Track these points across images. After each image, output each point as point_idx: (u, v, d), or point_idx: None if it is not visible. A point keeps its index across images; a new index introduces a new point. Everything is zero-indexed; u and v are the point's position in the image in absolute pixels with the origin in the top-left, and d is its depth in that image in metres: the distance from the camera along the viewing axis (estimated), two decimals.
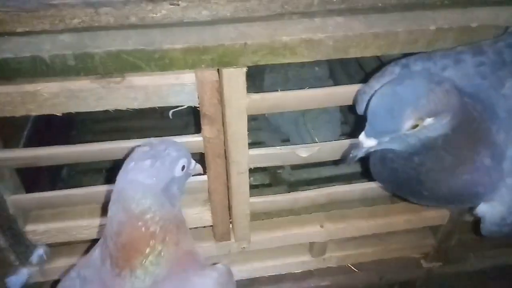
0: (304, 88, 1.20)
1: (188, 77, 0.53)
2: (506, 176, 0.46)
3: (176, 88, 0.53)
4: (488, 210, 0.49)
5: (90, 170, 1.13)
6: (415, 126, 0.42)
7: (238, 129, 0.58)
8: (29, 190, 0.66)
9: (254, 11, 0.53)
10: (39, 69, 0.48)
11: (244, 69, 0.53)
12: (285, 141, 1.23)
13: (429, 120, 0.42)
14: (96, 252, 0.48)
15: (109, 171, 1.13)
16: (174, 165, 0.46)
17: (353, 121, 1.22)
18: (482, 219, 0.51)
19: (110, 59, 0.48)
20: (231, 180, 0.64)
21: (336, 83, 1.27)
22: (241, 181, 0.65)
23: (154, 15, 0.51)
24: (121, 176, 0.45)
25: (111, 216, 0.45)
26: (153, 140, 0.47)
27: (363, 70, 1.11)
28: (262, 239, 0.76)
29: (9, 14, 0.48)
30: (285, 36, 0.51)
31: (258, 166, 0.65)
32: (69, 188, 1.04)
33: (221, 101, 0.55)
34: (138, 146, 0.46)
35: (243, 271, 0.80)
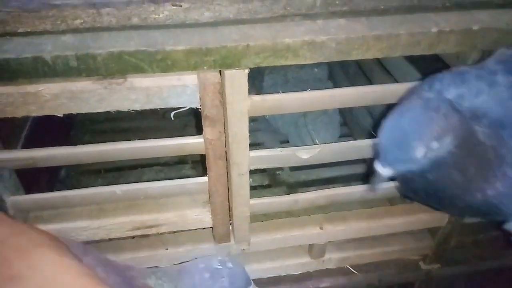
0: (304, 89, 1.21)
1: (190, 79, 0.53)
2: None
3: (177, 89, 0.52)
4: None
5: (88, 171, 1.13)
6: (424, 147, 0.44)
7: (240, 131, 0.58)
8: (27, 190, 0.66)
9: (257, 12, 0.53)
10: (41, 70, 0.47)
11: (246, 71, 0.53)
12: (284, 142, 1.23)
13: (434, 144, 0.44)
14: None
15: (108, 171, 1.13)
16: None
17: (352, 122, 1.22)
18: None
19: (112, 60, 0.48)
20: (232, 181, 0.64)
21: (335, 85, 1.27)
22: (241, 183, 0.65)
23: (156, 16, 0.51)
24: None
25: None
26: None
27: (362, 71, 1.11)
28: (262, 241, 0.75)
29: (11, 14, 0.48)
30: (288, 38, 0.51)
31: (259, 167, 0.65)
32: (68, 189, 1.04)
33: (223, 102, 0.55)
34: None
35: None
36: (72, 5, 0.49)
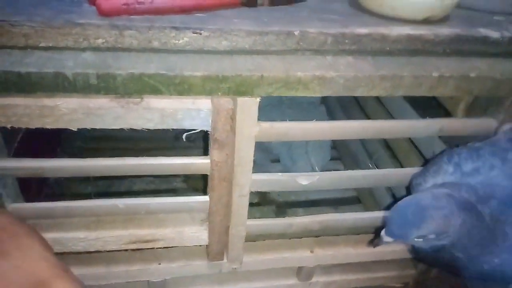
0: (298, 112, 1.24)
1: (204, 103, 0.55)
2: None
3: (192, 113, 0.54)
4: None
5: (78, 178, 1.12)
6: (420, 237, 0.52)
7: (246, 155, 0.60)
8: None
9: (271, 45, 0.56)
10: (61, 85, 0.48)
11: (258, 99, 0.56)
12: (275, 161, 1.26)
13: (432, 236, 0.52)
14: None
15: (97, 179, 1.13)
16: None
17: (340, 146, 1.26)
18: None
19: (132, 81, 0.50)
20: (232, 202, 0.66)
21: (328, 109, 1.31)
22: (241, 204, 0.66)
23: (177, 41, 0.53)
24: None
25: None
26: None
27: (355, 98, 1.15)
28: (254, 261, 0.77)
29: (35, 29, 0.49)
30: (300, 72, 0.54)
31: (259, 190, 0.67)
32: (56, 194, 1.03)
33: (233, 127, 0.57)
34: None
35: None
36: (96, 25, 0.50)
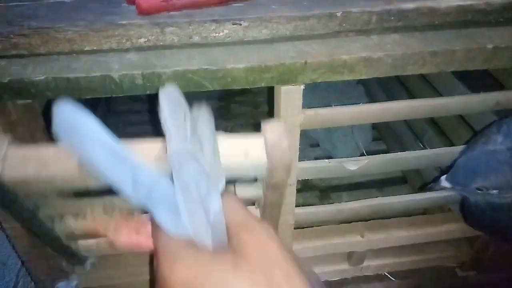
0: (335, 94, 1.21)
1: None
2: None
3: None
4: None
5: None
6: (482, 189, 0.52)
7: (291, 143, 0.59)
8: None
9: (313, 29, 0.54)
10: (108, 88, 0.49)
11: (302, 87, 0.54)
12: (314, 146, 1.24)
13: (494, 191, 0.52)
14: None
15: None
16: None
17: (382, 126, 1.22)
18: None
19: (176, 78, 0.50)
20: None
21: (366, 89, 1.28)
22: (289, 192, 0.66)
23: (217, 34, 0.52)
24: None
25: None
26: None
27: (399, 80, 1.11)
28: (304, 248, 0.77)
29: (78, 33, 0.50)
30: (345, 55, 0.52)
31: (306, 178, 0.66)
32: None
33: (277, 116, 0.56)
34: None
35: None
36: (137, 24, 0.50)
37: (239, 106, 1.42)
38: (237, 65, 0.50)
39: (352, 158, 0.65)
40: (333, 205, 0.71)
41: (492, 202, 0.52)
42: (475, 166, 0.53)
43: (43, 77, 0.48)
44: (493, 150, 0.54)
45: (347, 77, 0.54)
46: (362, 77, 0.54)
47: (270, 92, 0.58)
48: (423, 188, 0.64)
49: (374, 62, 0.53)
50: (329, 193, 1.12)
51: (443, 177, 0.55)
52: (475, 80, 0.78)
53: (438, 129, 0.94)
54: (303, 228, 0.79)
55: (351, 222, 0.80)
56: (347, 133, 1.14)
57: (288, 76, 0.52)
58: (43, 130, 0.64)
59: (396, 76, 1.12)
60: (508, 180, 0.50)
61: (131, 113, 1.33)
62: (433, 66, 0.54)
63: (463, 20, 0.56)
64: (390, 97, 1.14)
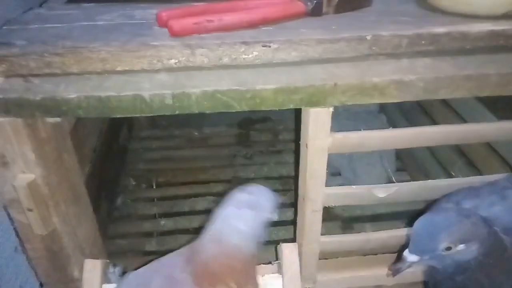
0: (355, 122, 1.20)
1: None
2: None
3: None
4: None
5: (142, 199, 1.14)
6: (449, 248, 0.50)
7: (318, 168, 0.58)
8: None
9: (343, 52, 0.54)
10: (139, 107, 0.49)
11: (331, 109, 0.54)
12: (335, 174, 1.22)
13: (461, 246, 0.50)
14: (172, 260, 0.56)
15: (161, 200, 1.15)
16: (267, 214, 0.55)
17: (406, 156, 1.20)
18: None
19: (205, 98, 0.50)
20: (305, 218, 0.63)
21: (388, 118, 1.26)
22: (314, 220, 0.64)
23: (246, 56, 0.52)
24: (221, 219, 0.55)
25: (204, 246, 0.54)
26: (249, 188, 0.57)
27: (418, 104, 1.10)
28: (329, 280, 0.73)
29: (111, 53, 0.50)
30: (375, 77, 0.51)
31: (333, 205, 0.64)
32: (123, 216, 1.05)
33: (304, 139, 0.55)
34: (236, 191, 0.55)
35: None
36: (169, 46, 0.51)
37: (259, 134, 1.41)
38: (266, 86, 0.50)
39: (381, 185, 0.63)
40: (360, 234, 0.69)
41: (459, 261, 0.51)
42: (436, 225, 0.51)
43: (75, 95, 0.48)
44: (448, 208, 0.55)
45: (377, 100, 0.53)
46: (393, 101, 0.53)
47: (297, 117, 0.58)
48: (389, 273, 0.60)
49: (405, 85, 0.52)
50: (352, 224, 1.09)
51: (405, 252, 0.52)
52: (502, 108, 0.76)
53: (466, 159, 0.91)
54: (327, 259, 0.76)
55: (377, 254, 0.77)
56: (370, 162, 1.12)
57: (317, 98, 0.52)
58: (70, 150, 0.64)
59: (418, 105, 1.11)
60: (470, 230, 0.49)
61: (151, 139, 1.35)
62: (466, 90, 0.53)
63: (495, 45, 0.56)
64: (413, 126, 1.12)
